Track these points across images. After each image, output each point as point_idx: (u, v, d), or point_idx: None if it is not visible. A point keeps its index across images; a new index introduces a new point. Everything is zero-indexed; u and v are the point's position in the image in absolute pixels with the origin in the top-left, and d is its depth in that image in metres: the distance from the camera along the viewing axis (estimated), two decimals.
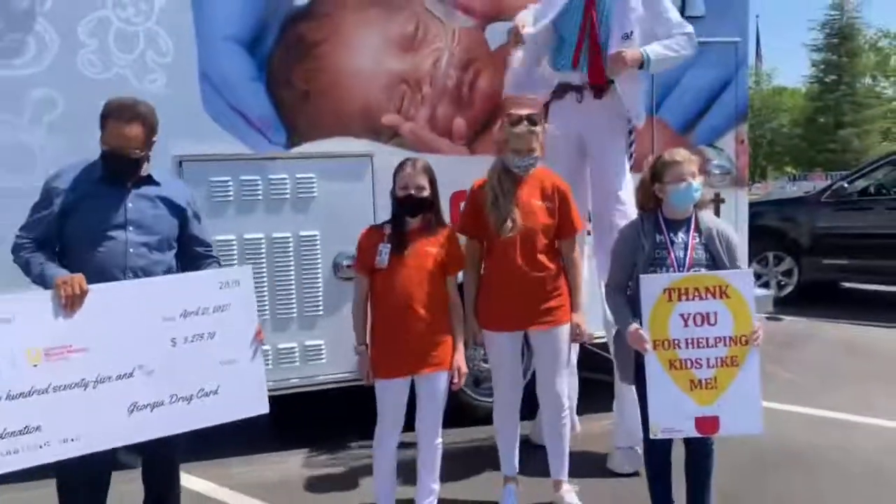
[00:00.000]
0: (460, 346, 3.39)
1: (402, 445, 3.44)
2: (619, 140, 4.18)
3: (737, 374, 2.99)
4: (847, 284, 9.40)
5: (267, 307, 4.25)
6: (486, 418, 4.38)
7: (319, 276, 4.43)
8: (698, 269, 3.03)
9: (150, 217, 2.91)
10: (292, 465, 4.31)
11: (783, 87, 41.70)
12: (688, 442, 3.15)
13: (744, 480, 3.86)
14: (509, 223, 3.33)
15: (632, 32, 4.00)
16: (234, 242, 4.22)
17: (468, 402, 4.77)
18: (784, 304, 7.81)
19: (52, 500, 3.54)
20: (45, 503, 3.64)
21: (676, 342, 2.98)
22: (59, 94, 3.97)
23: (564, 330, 3.52)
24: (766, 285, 8.51)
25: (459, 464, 4.10)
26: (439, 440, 3.42)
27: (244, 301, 2.97)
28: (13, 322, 2.56)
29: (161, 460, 3.08)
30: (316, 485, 4.02)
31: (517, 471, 3.67)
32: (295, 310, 4.36)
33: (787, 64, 73.71)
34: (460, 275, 3.47)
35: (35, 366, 2.58)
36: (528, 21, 4.16)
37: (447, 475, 3.74)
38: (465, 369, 3.37)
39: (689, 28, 4.08)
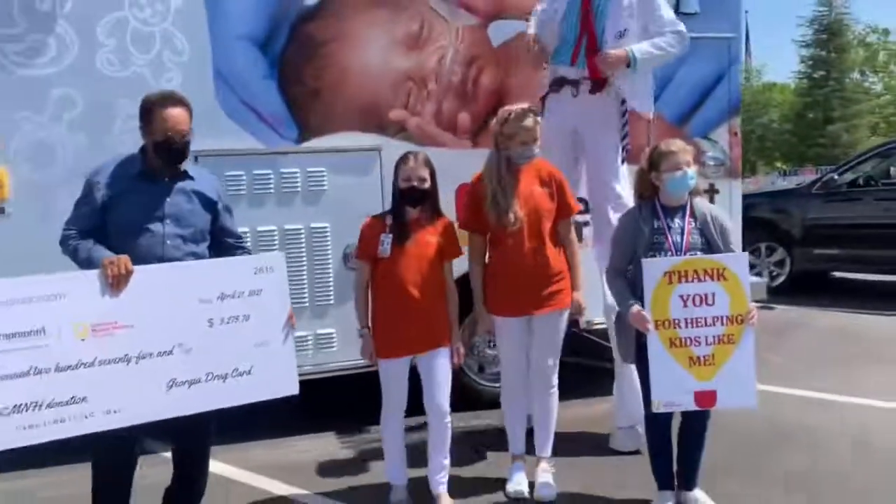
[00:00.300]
0: (456, 328, 3.57)
1: (414, 429, 3.59)
2: (614, 134, 4.32)
3: (733, 351, 3.18)
4: (837, 274, 9.62)
5: None
6: (491, 402, 4.58)
7: (330, 266, 4.59)
8: (694, 252, 3.22)
9: (185, 210, 3.05)
10: (309, 448, 4.47)
11: (773, 82, 41.95)
12: (685, 415, 3.35)
13: (738, 456, 4.04)
14: (511, 216, 3.48)
15: (626, 30, 4.15)
16: (247, 234, 4.36)
17: (474, 387, 4.94)
18: (776, 294, 7.99)
19: (48, 488, 3.72)
20: (42, 491, 3.86)
21: (676, 322, 3.17)
22: (78, 92, 4.12)
23: (566, 313, 3.71)
24: (759, 275, 8.71)
25: (467, 445, 4.27)
26: (448, 419, 3.58)
27: (277, 286, 3.12)
28: (63, 298, 2.71)
29: (194, 445, 3.22)
30: (332, 467, 4.18)
31: (524, 450, 3.83)
32: (307, 299, 4.52)
33: (777, 60, 74.19)
34: (456, 261, 3.62)
35: (82, 340, 2.73)
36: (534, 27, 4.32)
37: (456, 456, 3.91)
38: (463, 349, 3.57)
39: (681, 26, 4.23)
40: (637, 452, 4.09)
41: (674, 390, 3.18)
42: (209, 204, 3.16)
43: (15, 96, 4.02)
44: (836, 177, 8.88)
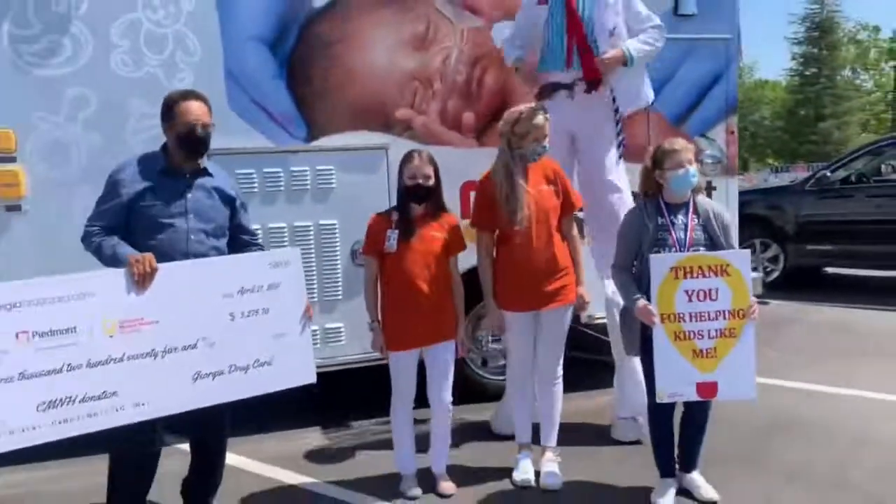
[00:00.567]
0: (462, 321, 3.70)
1: (421, 421, 3.72)
2: (611, 130, 4.42)
3: (734, 345, 3.31)
4: (830, 270, 9.77)
5: None
6: (495, 395, 4.70)
7: (338, 262, 4.69)
8: (697, 248, 3.35)
9: (207, 206, 3.16)
10: (320, 439, 4.59)
11: (765, 80, 42.21)
12: (687, 405, 3.49)
13: (736, 446, 4.16)
14: (522, 214, 3.59)
15: (615, 27, 4.28)
16: (258, 231, 4.45)
17: (478, 380, 5.05)
18: (771, 289, 8.13)
19: (55, 482, 3.81)
20: (49, 485, 3.97)
21: (681, 315, 3.29)
22: (93, 92, 4.21)
23: (571, 308, 3.83)
24: (754, 270, 8.83)
25: (471, 436, 4.40)
26: (450, 409, 3.73)
27: (294, 279, 3.24)
28: (92, 296, 2.82)
29: (211, 438, 3.34)
30: (342, 457, 4.29)
31: (530, 439, 3.95)
32: (316, 294, 4.61)
33: (768, 57, 74.44)
34: (462, 255, 3.74)
35: (111, 336, 2.84)
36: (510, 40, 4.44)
37: (461, 447, 4.04)
38: (467, 341, 3.72)
39: (658, 20, 4.37)
40: (638, 442, 4.22)
41: (677, 382, 3.31)
42: (228, 200, 3.27)
43: (31, 96, 4.10)
44: (828, 174, 9.03)
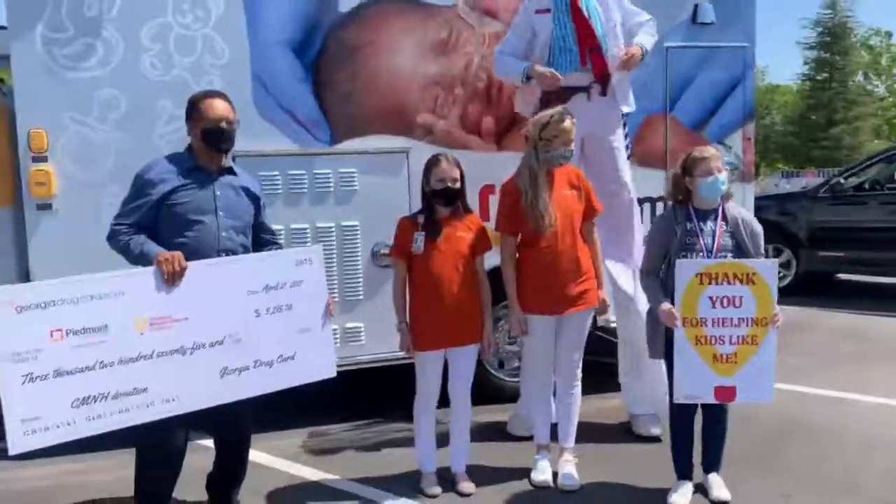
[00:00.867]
0: (489, 321, 3.76)
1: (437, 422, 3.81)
2: (620, 132, 4.52)
3: (755, 352, 3.37)
4: (842, 276, 9.79)
5: None
6: (511, 397, 4.76)
7: (359, 263, 4.76)
8: (725, 254, 3.41)
9: (235, 203, 3.25)
10: (340, 436, 4.66)
11: (776, 84, 42.10)
12: (706, 409, 3.55)
13: (750, 448, 4.21)
14: (548, 219, 3.65)
15: (615, 22, 4.39)
16: (281, 232, 4.53)
17: (494, 382, 5.11)
18: (783, 295, 8.05)
19: (75, 476, 3.86)
20: (70, 478, 4.05)
21: (704, 320, 3.35)
22: (123, 94, 4.29)
23: (592, 312, 3.90)
24: None
25: (488, 437, 4.46)
26: (469, 407, 3.83)
27: (316, 277, 3.33)
28: (124, 295, 2.89)
29: (236, 434, 3.41)
30: (362, 454, 4.37)
31: (549, 440, 4.01)
32: (337, 294, 4.68)
33: (779, 61, 74.17)
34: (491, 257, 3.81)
35: (141, 334, 2.91)
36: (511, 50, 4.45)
37: (479, 447, 4.11)
38: (492, 341, 3.80)
39: (648, 15, 4.50)
40: (657, 439, 4.31)
41: (696, 384, 3.38)
42: (253, 199, 3.35)
43: (63, 97, 4.20)
44: (842, 181, 9.06)
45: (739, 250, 3.44)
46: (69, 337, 2.79)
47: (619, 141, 4.49)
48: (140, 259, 3.04)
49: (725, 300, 3.34)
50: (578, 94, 4.34)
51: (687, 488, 3.60)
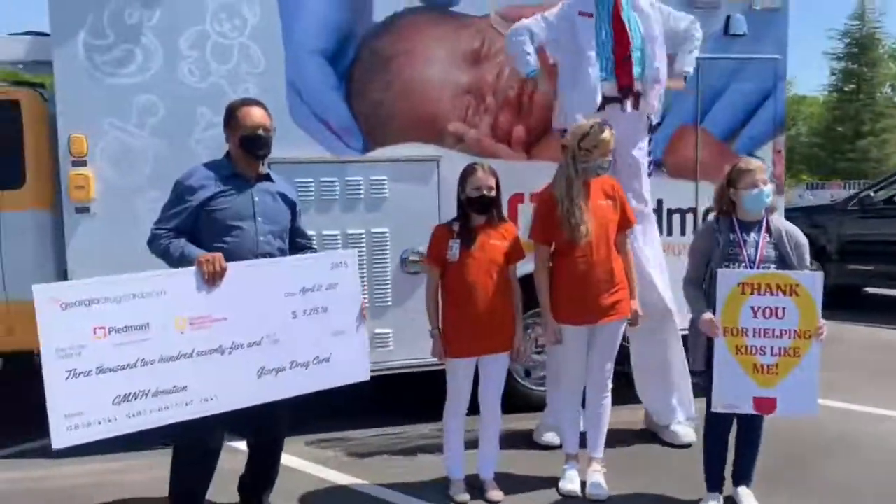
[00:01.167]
0: (519, 328, 3.78)
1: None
2: (645, 145, 4.53)
3: (797, 364, 3.35)
4: (870, 290, 9.68)
5: None
6: (538, 406, 4.77)
7: (388, 269, 4.80)
8: (767, 265, 3.41)
9: (272, 209, 3.31)
10: (369, 442, 4.69)
11: (802, 95, 41.71)
12: (740, 420, 3.54)
13: (781, 463, 4.17)
14: (584, 229, 3.66)
15: (659, 36, 4.43)
16: (313, 237, 4.57)
17: (521, 390, 5.11)
18: None
19: (110, 475, 3.92)
20: (105, 477, 4.12)
21: (745, 330, 3.34)
22: (161, 100, 4.38)
23: (625, 322, 3.91)
24: None
25: (515, 445, 4.46)
26: (499, 413, 3.85)
27: (351, 280, 3.38)
28: (165, 294, 2.96)
29: (270, 437, 3.47)
30: (391, 460, 4.40)
31: (577, 450, 4.01)
32: (366, 300, 4.71)
33: (805, 72, 73.49)
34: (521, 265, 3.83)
35: (181, 333, 2.97)
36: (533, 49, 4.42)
37: (507, 454, 4.12)
38: (524, 348, 3.83)
39: (690, 17, 4.58)
40: (688, 446, 4.33)
41: (735, 394, 3.37)
42: (290, 204, 3.41)
43: (103, 103, 4.29)
44: (871, 194, 8.97)
45: (783, 262, 3.43)
46: (112, 335, 2.85)
47: (643, 155, 4.50)
48: (181, 261, 3.10)
49: (768, 311, 3.32)
50: (612, 104, 4.35)
51: (717, 501, 3.58)
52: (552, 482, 3.96)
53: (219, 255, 3.08)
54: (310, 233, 4.49)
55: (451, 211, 3.94)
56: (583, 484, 3.89)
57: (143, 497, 3.86)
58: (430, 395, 3.83)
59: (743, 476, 3.63)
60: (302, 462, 4.29)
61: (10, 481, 4.14)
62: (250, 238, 3.21)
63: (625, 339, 4.13)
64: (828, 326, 3.37)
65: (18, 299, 4.39)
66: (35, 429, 4.10)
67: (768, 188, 3.46)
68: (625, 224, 3.90)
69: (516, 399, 4.95)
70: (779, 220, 3.55)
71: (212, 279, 3.04)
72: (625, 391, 4.62)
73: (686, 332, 4.39)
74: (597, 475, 3.90)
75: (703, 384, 3.60)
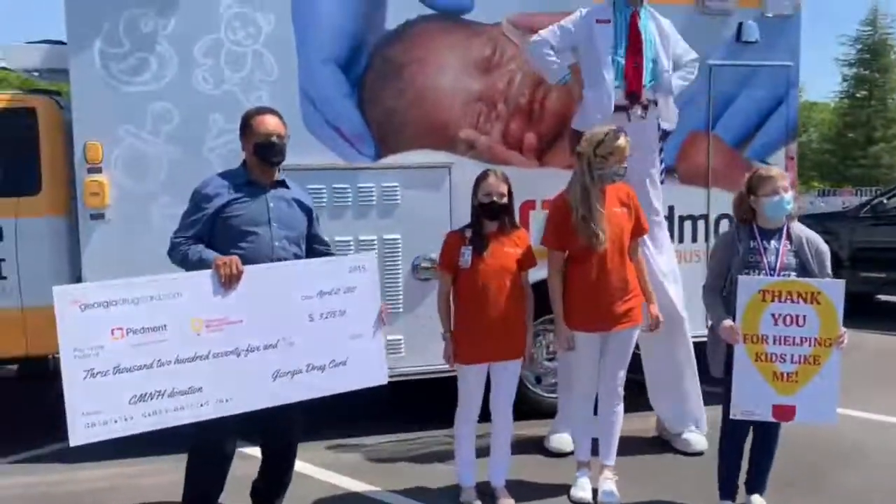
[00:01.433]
0: (529, 335, 3.79)
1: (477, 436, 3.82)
2: (656, 155, 4.53)
3: (818, 371, 3.33)
4: (882, 297, 9.62)
5: None
6: (549, 413, 4.76)
7: (400, 276, 4.81)
8: (788, 273, 3.39)
9: (287, 215, 3.33)
10: (380, 448, 4.71)
11: (814, 102, 41.58)
12: (757, 428, 3.53)
13: (797, 472, 4.15)
14: (601, 236, 3.66)
15: (670, 50, 4.44)
16: None
17: (532, 397, 5.10)
18: None
19: (148, 475, 3.94)
20: (120, 481, 4.15)
21: (765, 337, 3.33)
22: (175, 107, 4.41)
23: (638, 330, 3.91)
24: None
25: (526, 452, 4.45)
26: (511, 420, 3.85)
27: (370, 283, 3.38)
28: (181, 297, 2.99)
29: (284, 442, 3.48)
30: (402, 466, 4.41)
31: (589, 457, 4.01)
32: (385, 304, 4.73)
33: (815, 79, 73.28)
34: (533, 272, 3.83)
35: (198, 335, 3.00)
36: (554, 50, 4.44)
37: (519, 462, 4.11)
38: (534, 355, 3.78)
39: (695, 54, 4.62)
40: (700, 454, 4.33)
41: (754, 401, 3.35)
42: (306, 211, 3.44)
43: (118, 110, 4.33)
44: (885, 201, 8.93)
45: (803, 270, 3.41)
46: (129, 335, 2.89)
47: (654, 164, 4.50)
48: (199, 266, 3.13)
49: (788, 318, 3.30)
50: (619, 112, 4.35)
51: None
52: (564, 490, 3.96)
53: (235, 258, 3.11)
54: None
55: (462, 218, 3.95)
56: (594, 492, 3.89)
57: (158, 501, 3.88)
58: (442, 401, 3.83)
59: (757, 484, 3.62)
60: (314, 468, 4.30)
61: (25, 486, 4.17)
62: (266, 243, 3.24)
63: (637, 346, 4.13)
64: (846, 332, 3.33)
65: (34, 305, 4.44)
66: (50, 433, 4.16)
67: (789, 195, 3.44)
68: (638, 231, 3.90)
69: (527, 406, 4.95)
70: (799, 228, 3.53)
71: (228, 282, 3.07)
72: (637, 399, 4.62)
73: (697, 340, 4.45)
74: (608, 483, 3.89)
75: (721, 391, 3.58)
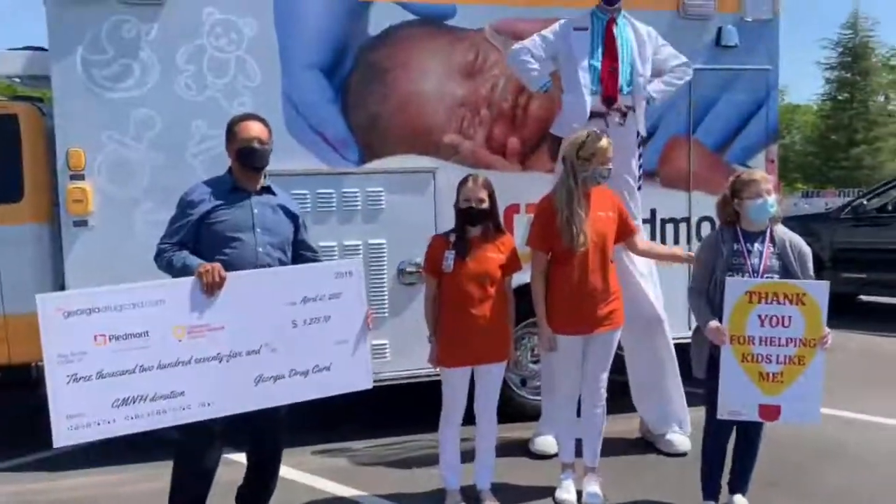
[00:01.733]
0: (512, 338, 3.85)
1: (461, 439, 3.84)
2: (635, 161, 4.55)
3: (802, 372, 3.37)
4: (864, 298, 9.73)
5: None
6: (534, 415, 4.79)
7: (385, 280, 4.83)
8: (771, 275, 3.43)
9: (272, 221, 3.33)
10: (364, 452, 4.71)
11: (796, 104, 41.93)
12: (740, 429, 3.58)
13: (779, 471, 4.20)
14: (582, 237, 3.69)
15: (647, 58, 4.48)
16: None
17: (517, 400, 5.12)
18: None
19: (125, 484, 3.92)
20: (104, 489, 4.13)
21: (751, 338, 3.37)
22: (158, 114, 4.41)
23: (619, 332, 3.94)
24: None
25: (511, 455, 4.48)
26: (495, 424, 3.87)
27: (356, 289, 3.39)
28: (164, 303, 3.00)
29: (269, 447, 3.48)
30: (387, 471, 4.41)
31: (574, 459, 4.03)
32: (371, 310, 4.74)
33: (798, 81, 73.85)
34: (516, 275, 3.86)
35: (180, 341, 3.02)
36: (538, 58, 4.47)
37: (503, 464, 4.13)
38: (514, 357, 3.89)
39: (684, 58, 4.62)
40: (683, 454, 4.37)
41: (741, 401, 3.39)
42: (292, 217, 3.44)
43: (101, 117, 4.33)
44: (865, 202, 9.04)
45: (786, 272, 3.45)
46: (112, 342, 2.93)
47: (632, 170, 4.53)
48: (183, 272, 3.14)
49: (774, 319, 3.34)
50: (596, 119, 4.36)
51: None
52: (548, 492, 3.98)
53: (218, 265, 3.11)
54: None
55: (447, 222, 3.98)
56: (579, 493, 3.91)
57: None
58: (427, 405, 3.85)
59: (740, 484, 3.66)
60: (299, 473, 4.30)
61: (10, 494, 4.14)
62: (250, 249, 3.24)
63: (620, 348, 4.17)
64: (830, 332, 3.38)
65: (17, 313, 4.42)
66: (34, 442, 4.14)
67: (772, 198, 3.48)
68: (627, 233, 3.97)
69: (512, 408, 4.98)
70: (782, 230, 3.57)
71: (210, 289, 3.08)
72: (621, 400, 4.65)
73: (679, 342, 4.49)
74: (593, 484, 3.92)
75: (703, 392, 3.62)
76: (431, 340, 3.79)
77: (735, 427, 3.58)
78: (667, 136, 5.22)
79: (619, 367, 4.62)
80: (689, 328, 4.48)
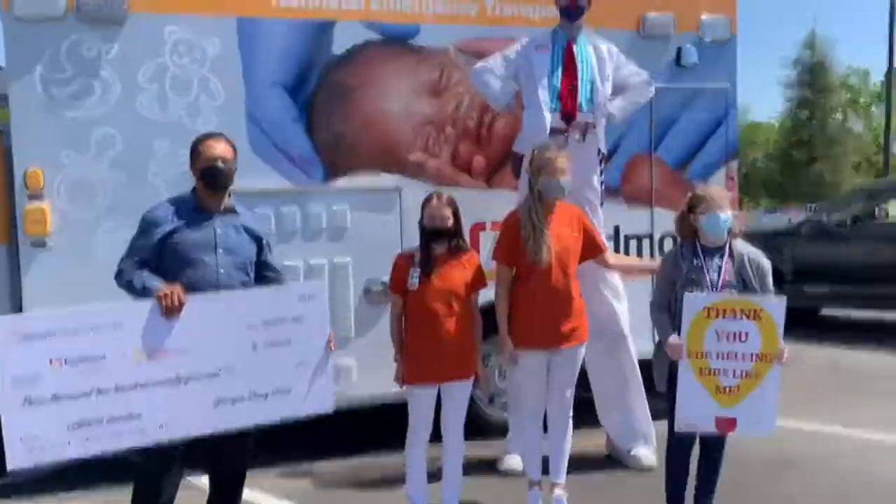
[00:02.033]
0: (479, 356, 3.85)
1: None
2: (596, 179, 4.60)
3: (758, 385, 3.42)
4: (826, 311, 9.91)
5: None
6: (500, 431, 4.78)
7: (350, 300, 4.80)
8: (731, 290, 3.48)
9: (235, 242, 3.30)
10: (329, 473, 4.67)
11: (758, 122, 42.79)
12: (703, 443, 3.61)
13: (739, 483, 4.20)
14: (545, 253, 3.72)
15: (607, 77, 4.53)
16: None
17: (484, 416, 5.11)
18: None
19: None
20: None
21: (708, 353, 3.41)
22: (119, 133, 4.36)
23: (584, 347, 3.96)
24: None
25: (478, 472, 4.46)
26: (462, 442, 3.86)
27: (318, 312, 3.37)
28: (122, 327, 2.98)
29: (233, 471, 3.43)
30: (352, 490, 4.39)
31: (540, 476, 4.02)
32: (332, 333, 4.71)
33: (760, 100, 75.59)
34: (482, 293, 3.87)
35: (138, 364, 2.99)
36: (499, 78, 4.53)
37: (471, 482, 4.11)
38: (484, 375, 3.90)
39: (646, 74, 4.70)
40: (650, 469, 4.38)
41: (697, 413, 3.43)
42: (255, 238, 3.41)
43: (61, 136, 4.27)
44: (824, 218, 9.24)
45: (745, 287, 3.49)
46: (67, 365, 2.90)
47: (594, 187, 4.57)
48: (143, 293, 3.10)
49: (731, 335, 3.38)
50: (556, 135, 4.39)
51: None
52: None
53: (177, 288, 3.08)
54: None
55: (413, 240, 3.97)
56: None
57: None
58: (393, 424, 3.82)
59: (704, 498, 3.68)
60: (264, 495, 4.23)
61: None
62: (211, 271, 3.21)
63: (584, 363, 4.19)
64: (787, 348, 3.43)
65: None
66: None
67: (727, 213, 3.53)
68: (594, 251, 4.01)
69: (480, 423, 4.96)
70: (741, 245, 3.61)
71: (169, 313, 3.04)
72: (586, 416, 4.67)
73: (645, 358, 4.52)
74: (560, 500, 3.92)
75: (664, 406, 3.65)
76: (397, 358, 3.77)
77: (699, 441, 3.61)
78: (629, 153, 5.30)
79: (584, 382, 4.65)
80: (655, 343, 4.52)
